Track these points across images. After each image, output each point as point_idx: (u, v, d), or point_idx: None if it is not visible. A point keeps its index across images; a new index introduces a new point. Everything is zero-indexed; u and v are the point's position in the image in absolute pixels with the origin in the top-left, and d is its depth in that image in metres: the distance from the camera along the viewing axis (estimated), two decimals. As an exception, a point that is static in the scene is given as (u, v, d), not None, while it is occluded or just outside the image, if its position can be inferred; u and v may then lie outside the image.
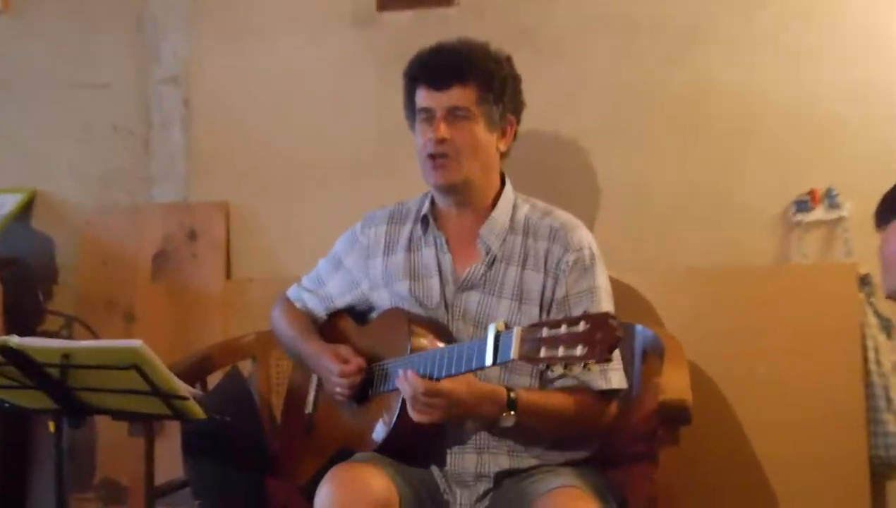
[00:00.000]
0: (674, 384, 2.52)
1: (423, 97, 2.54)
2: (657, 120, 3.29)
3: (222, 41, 3.65)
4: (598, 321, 1.99)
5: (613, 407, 2.49)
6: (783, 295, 3.12)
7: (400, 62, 2.65)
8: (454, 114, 2.50)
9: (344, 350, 2.57)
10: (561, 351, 1.99)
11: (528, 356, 2.07)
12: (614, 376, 2.46)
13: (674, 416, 2.42)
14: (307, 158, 3.57)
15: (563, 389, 2.43)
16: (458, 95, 2.50)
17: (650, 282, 3.21)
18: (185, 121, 3.67)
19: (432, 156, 2.51)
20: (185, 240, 3.61)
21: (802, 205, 3.16)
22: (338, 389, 2.54)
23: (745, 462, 3.12)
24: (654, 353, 2.85)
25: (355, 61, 3.52)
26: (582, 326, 1.99)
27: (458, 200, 2.59)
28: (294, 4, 3.58)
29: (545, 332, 2.04)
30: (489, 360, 2.17)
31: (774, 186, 3.21)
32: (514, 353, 2.09)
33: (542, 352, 2.03)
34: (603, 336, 1.96)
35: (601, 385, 2.44)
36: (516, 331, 2.11)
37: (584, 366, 1.98)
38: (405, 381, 2.27)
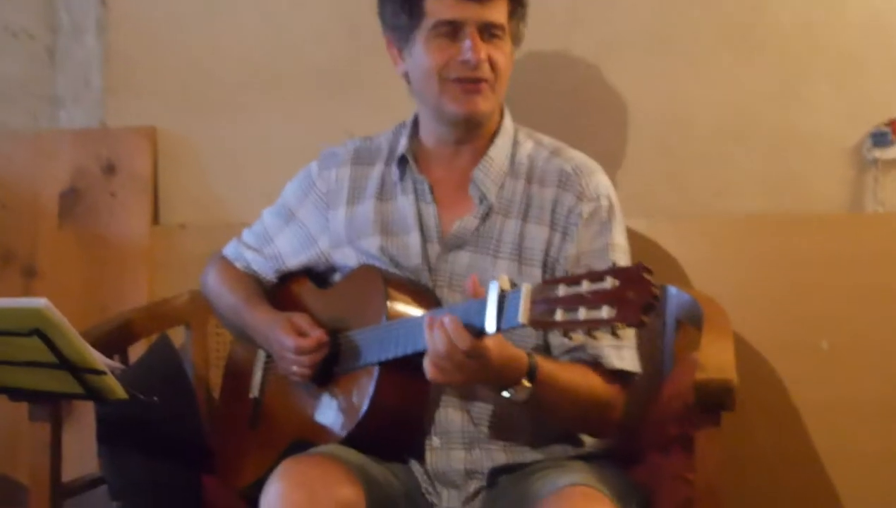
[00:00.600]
0: (715, 360, 2.52)
1: (450, 4, 2.48)
2: (699, 27, 3.31)
3: (151, -79, 3.63)
4: (630, 275, 1.94)
5: (622, 398, 2.49)
6: (855, 250, 3.15)
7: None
8: (490, 32, 2.50)
9: (300, 319, 2.56)
10: (582, 314, 1.95)
11: (541, 320, 2.04)
12: (628, 354, 2.48)
13: (714, 400, 2.40)
14: (256, 71, 3.57)
15: (576, 363, 2.45)
16: (497, 8, 2.50)
17: (686, 233, 3.25)
18: (101, 25, 3.66)
19: (466, 80, 2.50)
20: (101, 175, 3.61)
21: (880, 138, 3.18)
22: (294, 369, 2.53)
23: (804, 458, 3.17)
24: (691, 322, 2.87)
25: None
26: (609, 282, 1.94)
27: (465, 134, 2.59)
28: None
29: (562, 290, 2.00)
30: (491, 326, 2.13)
31: (845, 114, 3.23)
32: (522, 317, 2.05)
33: (558, 316, 1.99)
34: (636, 293, 1.91)
35: (615, 363, 2.45)
36: (525, 290, 2.07)
37: (612, 332, 1.93)
38: (441, 330, 2.18)
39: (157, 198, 3.60)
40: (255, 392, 2.73)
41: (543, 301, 2.03)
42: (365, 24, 2.58)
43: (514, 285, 2.13)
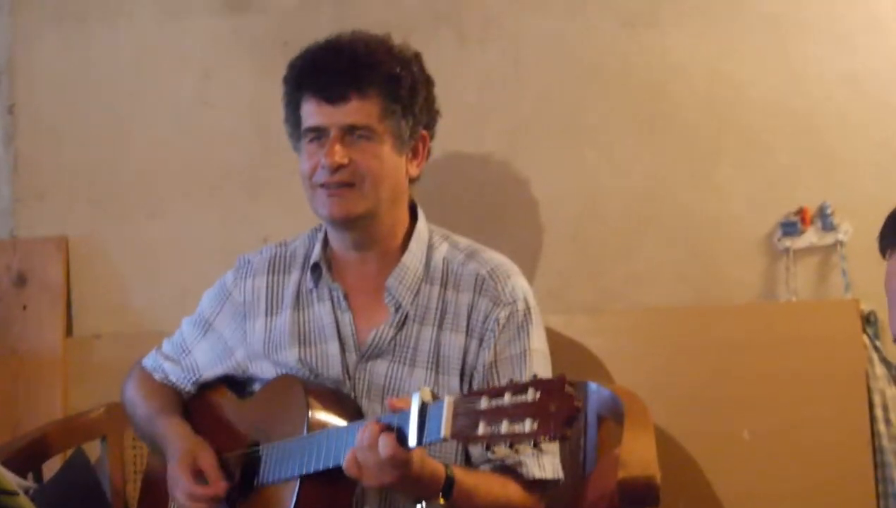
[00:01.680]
0: (637, 455, 2.51)
1: (312, 112, 2.48)
2: (609, 116, 3.34)
3: (58, 24, 3.62)
4: (552, 387, 1.91)
5: (542, 506, 2.47)
6: (770, 338, 3.17)
7: (285, 54, 2.62)
8: (353, 134, 2.45)
9: (205, 460, 2.48)
10: (505, 427, 1.93)
11: (464, 434, 2.01)
12: (548, 462, 2.46)
13: (638, 497, 2.39)
14: (168, 171, 3.56)
15: (495, 472, 2.42)
16: (358, 110, 2.45)
17: (604, 327, 3.25)
18: (8, 132, 3.62)
19: (326, 185, 2.47)
20: (12, 287, 3.56)
21: (790, 228, 3.21)
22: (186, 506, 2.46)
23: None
24: (612, 417, 2.86)
25: (227, 52, 3.53)
26: (531, 394, 1.93)
27: (358, 240, 2.55)
28: (149, -22, 3.57)
29: (484, 403, 1.98)
30: (413, 440, 2.10)
31: (755, 202, 3.26)
32: (444, 431, 2.02)
33: (481, 429, 1.97)
34: (558, 406, 1.89)
35: (535, 473, 2.42)
36: (447, 402, 2.04)
37: (535, 445, 1.92)
38: (369, 435, 2.14)
39: (69, 308, 3.55)
40: (174, 506, 2.67)
41: (465, 413, 2.01)
42: (274, 125, 2.58)
43: (435, 397, 2.10)
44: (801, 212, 3.19)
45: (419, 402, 2.10)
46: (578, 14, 3.34)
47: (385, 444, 2.11)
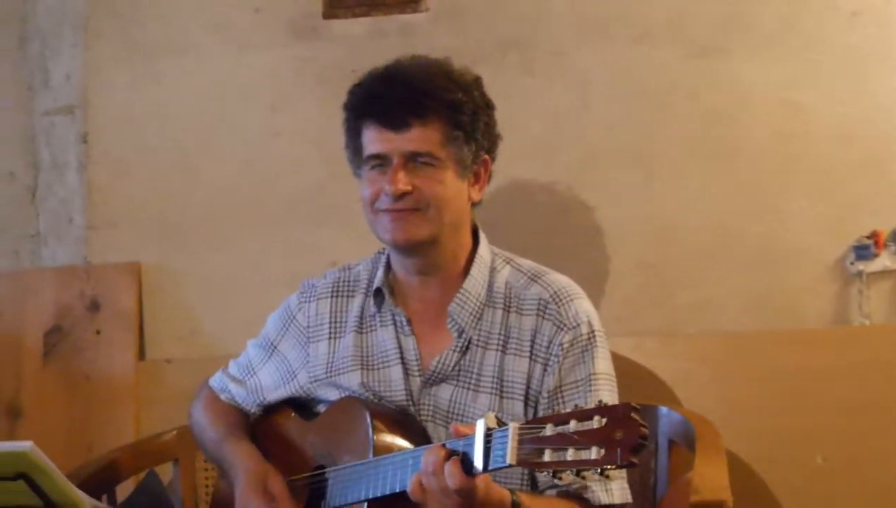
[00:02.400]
0: (709, 481, 2.49)
1: (374, 139, 2.45)
2: (678, 146, 3.34)
3: (129, 60, 3.68)
4: (618, 414, 1.89)
5: None
6: (843, 363, 3.15)
7: (352, 82, 2.60)
8: (416, 161, 2.43)
9: (276, 485, 2.49)
10: (571, 454, 1.92)
11: (529, 461, 1.99)
12: (616, 487, 2.42)
13: (711, 522, 2.39)
14: (236, 203, 3.60)
15: (560, 497, 2.38)
16: (420, 137, 2.42)
17: (674, 351, 3.24)
18: (82, 162, 3.68)
19: (390, 211, 2.44)
20: (86, 313, 3.60)
21: (863, 251, 3.19)
22: None
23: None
24: (683, 442, 2.84)
25: (294, 81, 3.57)
26: (597, 420, 1.91)
27: (421, 265, 2.53)
28: (218, 12, 3.62)
29: (549, 430, 1.96)
30: (478, 466, 2.08)
31: (827, 229, 3.25)
32: (510, 458, 2.01)
33: (546, 456, 1.95)
34: (625, 434, 1.87)
35: (602, 498, 2.39)
36: (512, 429, 2.02)
37: (601, 473, 1.89)
38: (434, 461, 2.13)
39: (142, 333, 3.59)
40: None
41: (530, 441, 1.99)
42: (340, 152, 2.58)
43: (500, 423, 2.08)
44: (874, 235, 3.17)
45: (484, 428, 2.08)
46: (646, 44, 3.35)
47: (451, 472, 2.09)
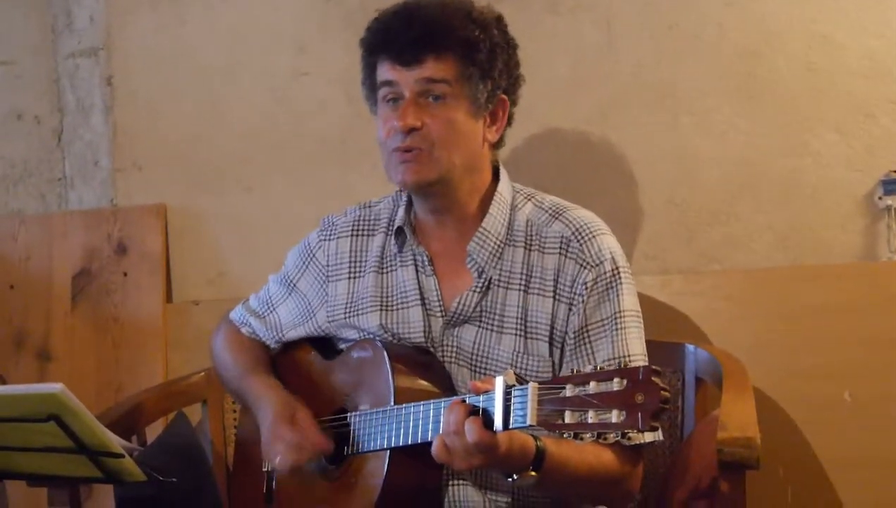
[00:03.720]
0: (736, 418, 2.48)
1: (387, 71, 2.45)
2: (705, 83, 3.30)
3: (152, 2, 3.67)
4: (639, 378, 1.89)
5: (640, 469, 2.45)
6: (871, 299, 3.12)
7: (377, 22, 2.63)
8: (427, 96, 2.42)
9: (304, 418, 2.51)
10: (591, 417, 1.92)
11: (549, 422, 1.99)
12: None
13: (738, 459, 2.36)
14: (262, 144, 3.61)
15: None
16: (433, 70, 2.41)
17: (701, 289, 3.22)
18: (107, 105, 3.70)
19: (398, 150, 2.44)
20: (113, 255, 3.63)
21: (891, 185, 3.16)
22: (284, 460, 2.48)
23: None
24: (711, 379, 2.85)
25: (320, 22, 3.55)
26: (616, 383, 1.91)
27: (434, 205, 2.53)
28: (242, -47, 3.60)
29: (570, 391, 1.96)
30: (499, 424, 2.08)
31: (855, 165, 3.21)
32: (531, 418, 2.01)
33: (567, 417, 1.96)
34: (646, 398, 1.87)
35: (637, 438, 2.39)
36: (532, 389, 2.02)
37: (623, 436, 1.90)
38: (455, 419, 2.13)
39: (169, 275, 3.61)
40: (268, 465, 2.67)
41: (550, 401, 1.99)
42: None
43: (520, 380, 2.08)
44: (903, 169, 3.17)
45: (503, 385, 2.08)
46: (672, -19, 3.33)
47: (472, 430, 2.09)
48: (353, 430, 2.46)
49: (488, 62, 2.44)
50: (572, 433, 1.95)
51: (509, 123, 2.55)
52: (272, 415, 2.53)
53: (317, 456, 2.48)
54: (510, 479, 2.22)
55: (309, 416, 2.52)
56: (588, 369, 1.98)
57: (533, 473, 2.21)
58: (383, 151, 2.48)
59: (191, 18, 3.65)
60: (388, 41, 2.45)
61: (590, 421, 1.92)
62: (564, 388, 1.97)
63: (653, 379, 1.89)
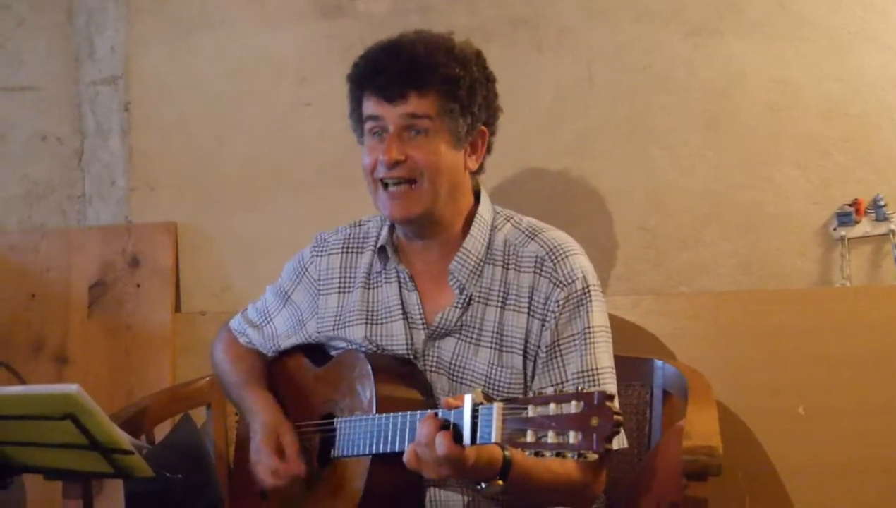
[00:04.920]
0: (700, 428, 2.49)
1: (372, 106, 2.43)
2: (675, 119, 3.33)
3: (168, 34, 3.69)
4: (594, 402, 1.89)
5: (603, 475, 2.44)
6: (825, 322, 3.15)
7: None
8: (410, 130, 2.40)
9: (288, 442, 2.51)
10: (551, 437, 1.92)
11: (512, 440, 1.99)
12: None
13: (702, 466, 2.36)
14: (265, 168, 3.62)
15: None
16: (415, 106, 2.39)
17: (669, 309, 3.24)
18: (124, 129, 3.70)
19: (385, 184, 2.43)
20: (127, 268, 3.63)
21: (845, 218, 3.18)
22: (262, 481, 2.49)
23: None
24: (677, 392, 2.86)
25: (322, 55, 3.57)
26: (574, 406, 1.91)
27: (420, 232, 2.52)
28: (251, -10, 3.61)
29: (531, 411, 1.96)
30: (467, 440, 2.08)
31: (812, 197, 3.24)
32: (495, 436, 2.01)
33: (529, 437, 1.95)
34: (601, 421, 1.87)
35: (592, 456, 2.36)
36: (497, 409, 2.01)
37: (580, 457, 1.89)
38: (426, 433, 2.12)
39: (178, 288, 3.62)
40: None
41: (514, 420, 1.99)
42: (361, 123, 2.60)
43: (488, 398, 2.08)
44: (855, 203, 3.17)
45: (472, 403, 2.08)
46: (646, 25, 3.34)
47: (441, 443, 2.09)
48: (339, 434, 2.46)
49: (468, 98, 2.43)
50: (533, 451, 1.95)
51: (488, 151, 2.53)
52: (259, 437, 2.53)
53: (294, 480, 2.48)
54: (479, 487, 2.21)
55: (293, 441, 2.52)
56: (549, 390, 1.97)
57: (500, 482, 2.20)
58: (369, 181, 2.48)
59: (201, 51, 3.66)
60: (373, 77, 2.44)
61: (549, 441, 1.92)
62: (527, 409, 1.97)
63: (607, 403, 1.88)
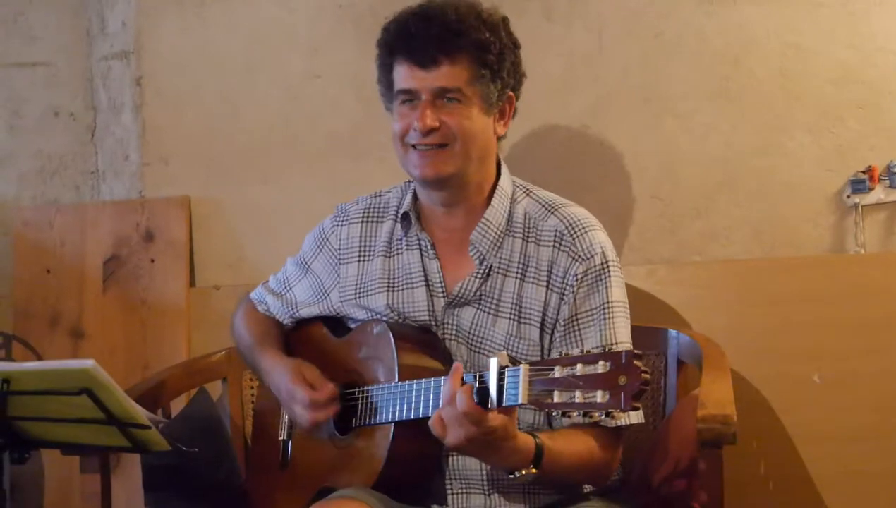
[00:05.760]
0: (715, 397, 2.49)
1: (404, 76, 2.43)
2: (688, 87, 3.30)
3: (178, 7, 3.67)
4: (622, 361, 1.90)
5: (621, 449, 2.44)
6: (839, 289, 3.13)
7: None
8: (443, 98, 2.41)
9: (309, 371, 2.52)
10: (578, 397, 1.92)
11: (539, 401, 1.99)
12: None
13: (716, 434, 2.37)
14: (278, 140, 3.60)
15: (577, 427, 2.35)
16: (448, 74, 2.40)
17: (683, 278, 3.22)
18: (136, 104, 3.69)
19: (417, 147, 2.43)
20: (141, 243, 3.62)
21: (859, 185, 3.16)
22: (304, 420, 2.49)
23: (802, 483, 3.13)
24: (691, 361, 2.85)
25: (333, 26, 3.54)
26: (601, 366, 1.91)
27: (447, 197, 2.51)
28: (260, -39, 3.59)
29: (558, 372, 1.97)
30: (493, 401, 2.08)
31: (825, 164, 3.21)
32: (522, 397, 2.01)
33: (556, 397, 1.96)
34: (628, 380, 1.88)
35: (620, 417, 2.32)
36: (523, 370, 2.02)
37: (607, 415, 1.91)
38: (448, 391, 2.13)
39: (192, 262, 3.62)
40: (283, 433, 2.68)
41: (541, 381, 1.99)
42: (373, 93, 2.57)
43: (513, 361, 2.08)
44: (869, 170, 3.14)
45: (497, 366, 2.08)
46: (658, -8, 3.32)
47: (462, 400, 2.08)
48: (361, 403, 2.47)
49: (498, 63, 2.44)
50: (560, 411, 1.96)
51: (514, 116, 2.55)
52: (287, 379, 2.53)
53: (333, 403, 2.48)
54: (511, 476, 2.21)
55: (312, 369, 2.53)
56: (575, 352, 1.98)
57: (534, 470, 2.21)
58: (398, 145, 2.48)
59: (212, 23, 3.64)
60: (405, 43, 2.43)
61: (576, 400, 1.92)
62: (553, 370, 1.98)
63: (634, 362, 1.89)
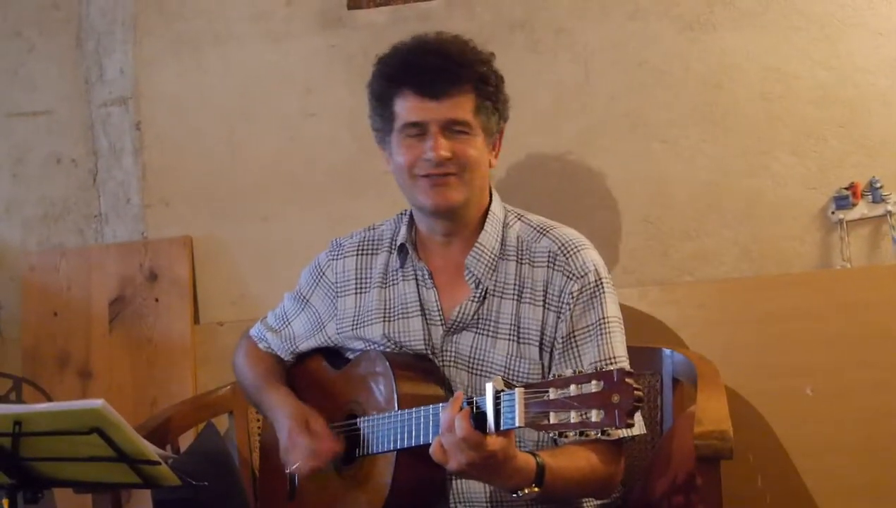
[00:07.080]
0: (711, 413, 2.50)
1: (411, 107, 2.41)
2: (673, 112, 3.33)
3: (174, 53, 3.68)
4: (614, 380, 1.90)
5: (623, 463, 2.43)
6: (827, 303, 3.15)
7: (375, 65, 2.63)
8: (451, 129, 2.41)
9: (318, 423, 2.52)
10: (573, 417, 1.93)
11: (536, 423, 1.99)
12: (636, 418, 2.39)
13: (713, 450, 2.37)
14: (276, 178, 3.62)
15: (578, 442, 2.28)
16: (457, 106, 2.40)
17: (676, 298, 3.24)
18: (136, 147, 3.70)
19: (429, 177, 2.42)
20: (145, 283, 3.63)
21: (843, 201, 3.18)
22: (308, 466, 2.48)
23: (798, 495, 3.14)
24: (686, 380, 2.86)
25: (325, 67, 3.57)
26: (594, 385, 1.91)
27: (449, 226, 2.52)
28: (253, 6, 3.62)
29: (552, 393, 1.97)
30: (491, 425, 2.07)
31: (809, 181, 3.25)
32: (519, 420, 2.01)
33: (552, 418, 1.96)
34: (621, 398, 1.88)
35: (616, 433, 2.29)
36: (518, 393, 2.01)
37: (603, 433, 1.90)
38: (447, 418, 2.12)
39: (196, 299, 3.62)
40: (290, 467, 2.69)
41: (536, 404, 1.99)
42: (367, 130, 2.58)
43: (508, 385, 2.07)
44: (852, 186, 3.17)
45: (493, 390, 2.07)
46: (640, 22, 3.35)
47: (460, 426, 2.08)
48: (364, 434, 2.46)
49: (496, 94, 2.46)
50: (557, 432, 1.96)
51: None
52: (289, 424, 2.53)
53: (332, 458, 2.48)
54: (515, 495, 2.21)
55: (321, 421, 2.53)
56: (568, 373, 1.99)
57: (536, 489, 2.21)
58: (404, 177, 2.46)
59: (208, 68, 3.65)
60: (413, 75, 2.42)
61: (572, 420, 1.92)
62: (548, 391, 1.97)
63: (626, 380, 1.89)
